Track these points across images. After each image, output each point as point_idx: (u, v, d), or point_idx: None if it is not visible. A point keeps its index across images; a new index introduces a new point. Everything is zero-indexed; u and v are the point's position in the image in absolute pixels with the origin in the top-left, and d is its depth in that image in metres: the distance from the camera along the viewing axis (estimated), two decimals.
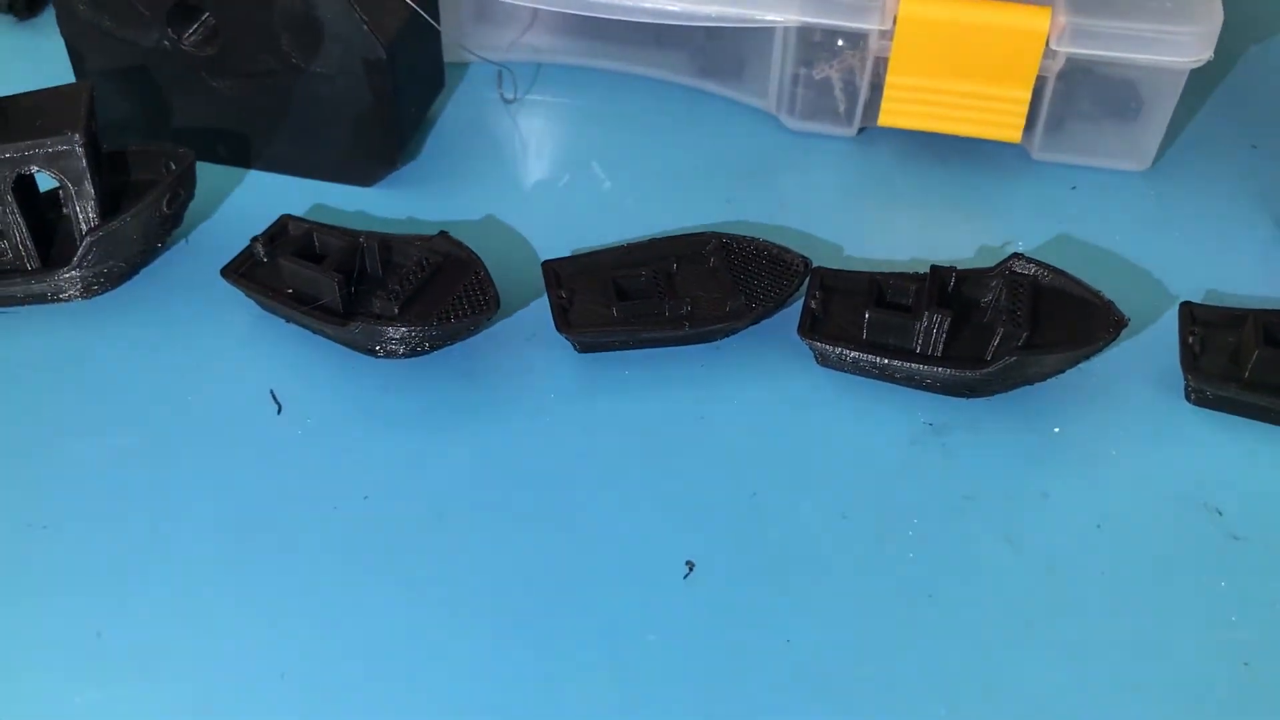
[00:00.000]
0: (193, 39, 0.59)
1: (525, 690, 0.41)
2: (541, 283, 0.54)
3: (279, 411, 0.50)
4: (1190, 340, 0.51)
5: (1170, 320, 0.54)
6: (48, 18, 0.70)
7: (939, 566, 0.45)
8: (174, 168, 0.55)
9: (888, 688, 0.42)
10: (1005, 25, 0.58)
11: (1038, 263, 0.52)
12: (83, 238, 0.53)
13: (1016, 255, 0.52)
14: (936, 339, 0.50)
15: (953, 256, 0.57)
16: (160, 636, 0.43)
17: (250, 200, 0.60)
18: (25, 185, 0.53)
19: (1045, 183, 0.63)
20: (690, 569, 0.45)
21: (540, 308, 0.54)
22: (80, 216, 0.53)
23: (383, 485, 0.48)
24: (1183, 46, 0.58)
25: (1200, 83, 0.69)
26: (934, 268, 0.52)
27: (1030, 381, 0.51)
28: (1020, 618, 0.44)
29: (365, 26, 0.56)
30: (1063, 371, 0.51)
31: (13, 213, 0.52)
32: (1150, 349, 0.53)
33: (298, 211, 0.56)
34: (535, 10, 0.67)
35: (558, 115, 0.67)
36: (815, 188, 0.62)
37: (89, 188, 0.52)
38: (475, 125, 0.66)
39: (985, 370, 0.49)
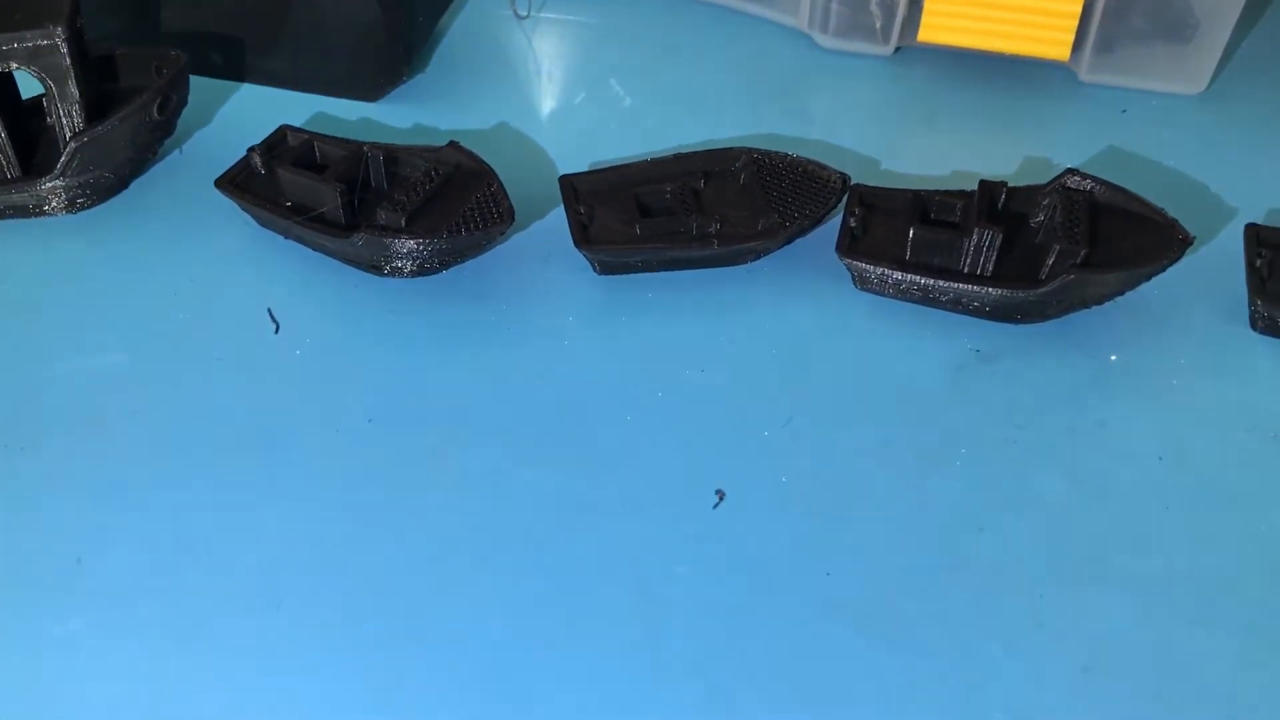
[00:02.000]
0: None
1: (547, 625, 0.38)
2: (557, 199, 0.51)
3: (276, 331, 0.47)
4: (1257, 264, 0.48)
5: (1232, 243, 0.50)
6: None
7: (989, 498, 0.42)
8: (165, 71, 0.51)
9: (937, 623, 0.38)
10: None
11: (1094, 178, 0.48)
12: (66, 144, 0.49)
13: (1071, 171, 0.49)
14: (987, 258, 0.46)
15: (996, 176, 0.53)
16: (145, 564, 0.39)
17: (247, 112, 0.57)
18: (5, 86, 0.49)
19: (1094, 105, 0.59)
20: (721, 498, 0.42)
21: (557, 225, 0.50)
22: (64, 122, 0.49)
23: (388, 409, 0.44)
24: None
25: (1256, 1, 0.65)
26: (983, 182, 0.48)
27: (1087, 304, 0.47)
28: (1078, 552, 0.40)
29: None
30: (1122, 293, 0.47)
31: None
32: (1212, 273, 0.50)
33: (298, 124, 0.53)
34: None
35: (574, 32, 0.63)
36: (850, 108, 0.59)
37: (73, 89, 0.48)
38: (486, 40, 0.62)
39: (1041, 290, 0.45)
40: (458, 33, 0.62)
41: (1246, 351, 0.47)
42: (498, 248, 0.50)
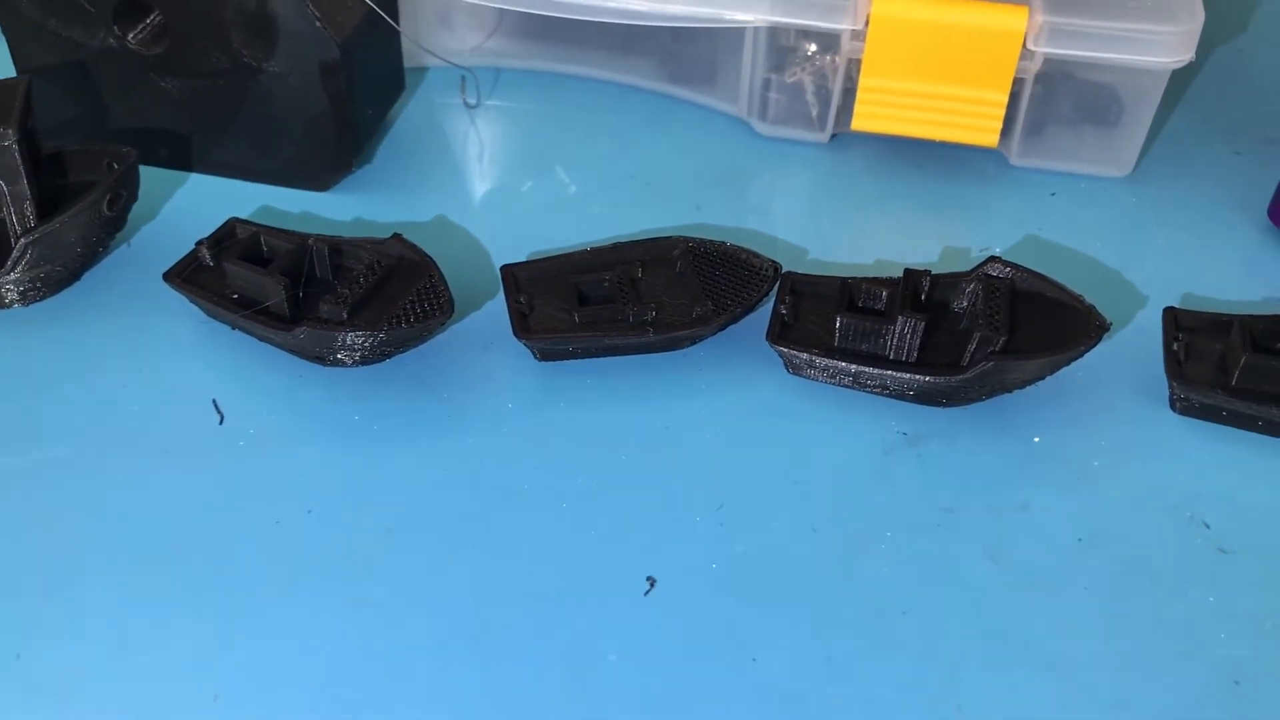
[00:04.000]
0: (140, 37, 0.57)
1: (481, 713, 0.39)
2: (499, 289, 0.52)
3: (220, 422, 0.48)
4: (1175, 346, 0.49)
5: (1152, 326, 0.52)
6: None
7: (915, 581, 0.43)
8: (116, 167, 0.53)
9: (861, 708, 0.39)
10: (981, 25, 0.56)
11: (1015, 265, 0.50)
12: (17, 240, 0.50)
13: (993, 258, 0.50)
14: (911, 345, 0.48)
15: (927, 263, 0.55)
16: (85, 658, 0.40)
17: (195, 204, 0.58)
18: None
19: (1023, 189, 0.61)
20: (651, 585, 0.43)
21: (498, 314, 0.52)
22: (15, 219, 0.50)
23: (329, 499, 0.45)
24: (1163, 46, 0.56)
25: (1180, 85, 0.68)
26: (908, 271, 0.50)
27: (1008, 389, 0.49)
28: (1000, 634, 0.41)
29: (319, 24, 0.54)
30: (1042, 378, 0.49)
31: None
32: (1132, 356, 0.51)
33: (245, 215, 0.54)
34: (501, 13, 0.65)
35: (520, 120, 0.65)
36: (786, 194, 0.60)
37: (24, 187, 0.50)
38: (434, 130, 0.64)
39: (963, 376, 0.47)
40: (406, 122, 0.64)
41: (1166, 432, 0.49)
42: (440, 336, 0.51)
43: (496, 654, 0.40)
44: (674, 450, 0.47)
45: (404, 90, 0.63)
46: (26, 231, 0.50)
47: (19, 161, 0.49)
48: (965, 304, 0.50)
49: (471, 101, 0.65)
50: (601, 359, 0.51)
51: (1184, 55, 0.57)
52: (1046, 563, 0.44)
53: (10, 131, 0.48)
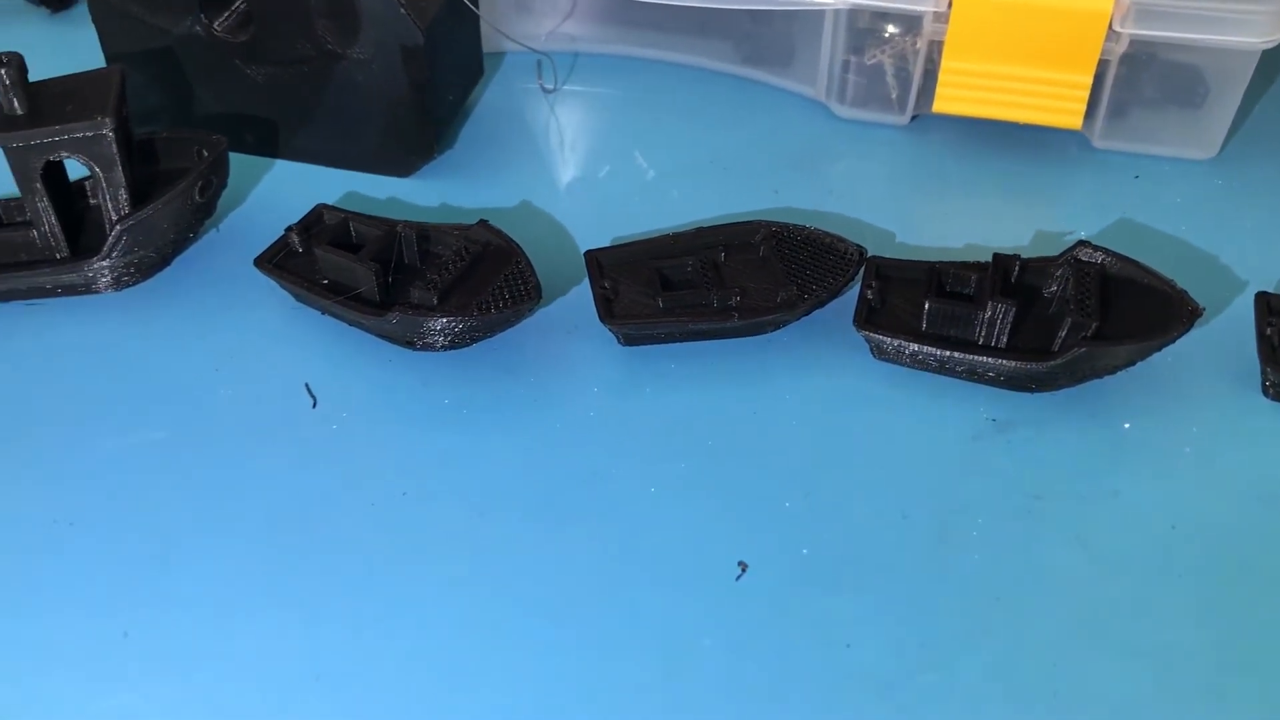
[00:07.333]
0: (225, 24, 0.57)
1: (573, 696, 0.39)
2: (582, 273, 0.52)
3: (314, 405, 0.48)
4: (1268, 332, 0.49)
5: (1243, 311, 0.51)
6: (80, 10, 0.69)
7: (1006, 568, 0.43)
8: (206, 154, 0.53)
9: (955, 694, 0.39)
10: (1067, 6, 0.56)
11: (1105, 250, 0.49)
12: (113, 226, 0.51)
13: (1082, 243, 0.50)
14: (1000, 330, 0.47)
15: (1010, 246, 0.54)
16: (189, 638, 0.41)
17: (281, 189, 0.59)
18: (54, 173, 0.51)
19: (1107, 171, 0.60)
20: (743, 570, 0.43)
21: (581, 299, 0.52)
22: (110, 205, 0.51)
23: (421, 481, 0.46)
24: (1254, 26, 0.55)
25: (1269, 66, 0.67)
26: (997, 256, 0.49)
27: (1099, 375, 0.48)
28: (1095, 622, 0.41)
29: (403, 9, 0.54)
30: (1133, 364, 0.48)
31: (42, 200, 0.50)
32: (1223, 341, 0.51)
33: (329, 201, 0.55)
34: None
35: (597, 105, 0.65)
36: (866, 177, 0.60)
37: (119, 175, 0.51)
38: (511, 115, 0.64)
39: (1054, 361, 0.46)
40: (485, 108, 0.64)
41: (1258, 419, 0.48)
42: (525, 321, 0.52)
43: (588, 637, 0.41)
44: (760, 435, 0.47)
45: (482, 75, 0.64)
46: (122, 218, 0.51)
47: (115, 149, 0.50)
48: (1054, 289, 0.49)
49: (549, 87, 0.66)
50: (684, 343, 0.51)
51: (1275, 35, 0.56)
52: (1140, 550, 0.43)
53: (107, 120, 0.49)
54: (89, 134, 0.49)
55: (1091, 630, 0.41)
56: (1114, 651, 0.41)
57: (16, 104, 0.49)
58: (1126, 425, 0.48)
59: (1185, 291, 0.48)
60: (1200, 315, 0.47)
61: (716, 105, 0.65)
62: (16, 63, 0.48)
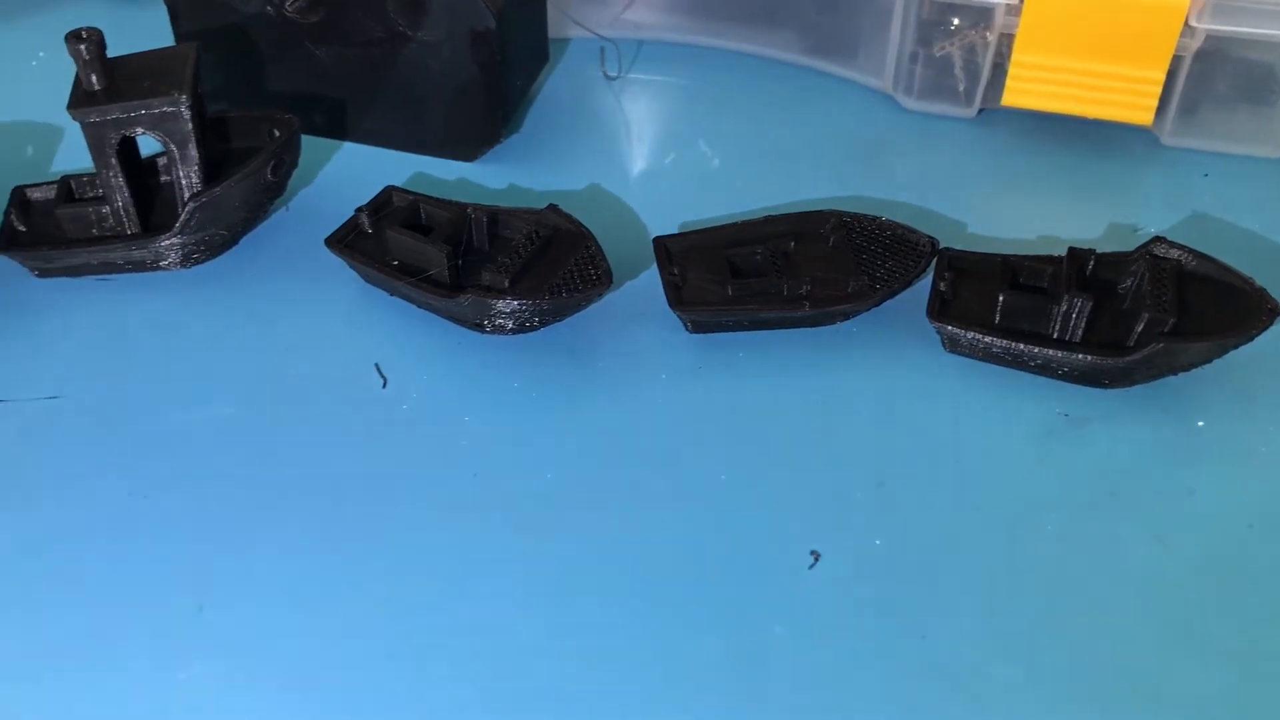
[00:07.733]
0: (296, 5, 0.57)
1: (644, 682, 0.39)
2: (650, 260, 0.52)
3: (384, 385, 0.49)
4: None
5: None
6: None
7: (1082, 563, 0.43)
8: (278, 134, 0.54)
9: (1031, 688, 0.39)
10: (1142, 1, 0.55)
11: (1181, 247, 0.49)
12: (185, 203, 0.51)
13: (1158, 238, 0.49)
14: (1076, 324, 0.47)
15: (1082, 240, 0.54)
16: (261, 613, 0.41)
17: (350, 171, 0.59)
18: (127, 149, 0.51)
19: (1176, 168, 0.60)
20: (816, 559, 0.43)
21: (649, 286, 0.52)
22: (183, 182, 0.51)
23: (491, 464, 0.46)
24: None
25: None
26: (1072, 249, 0.49)
27: (1174, 371, 0.48)
28: (1173, 620, 0.41)
29: None
30: (1209, 361, 0.48)
31: (117, 176, 0.51)
32: None
33: (397, 183, 0.55)
34: None
35: (662, 93, 0.65)
36: (933, 169, 0.60)
37: (193, 152, 0.51)
38: (577, 101, 0.64)
39: (1131, 357, 0.46)
40: (549, 93, 0.64)
41: None
42: (592, 306, 0.52)
43: (661, 623, 0.41)
44: (830, 425, 0.47)
45: (548, 61, 0.64)
46: (194, 195, 0.51)
47: (190, 126, 0.50)
48: (1129, 284, 0.49)
49: (612, 74, 0.65)
50: (752, 331, 0.51)
51: None
52: (1217, 549, 0.43)
53: (183, 96, 0.49)
54: (165, 110, 0.49)
55: (1169, 628, 0.41)
56: (1192, 650, 0.40)
57: (95, 79, 0.49)
58: (1200, 423, 0.47)
59: (1264, 289, 0.47)
60: (1279, 313, 0.47)
61: (781, 96, 0.64)
62: (96, 38, 0.49)
